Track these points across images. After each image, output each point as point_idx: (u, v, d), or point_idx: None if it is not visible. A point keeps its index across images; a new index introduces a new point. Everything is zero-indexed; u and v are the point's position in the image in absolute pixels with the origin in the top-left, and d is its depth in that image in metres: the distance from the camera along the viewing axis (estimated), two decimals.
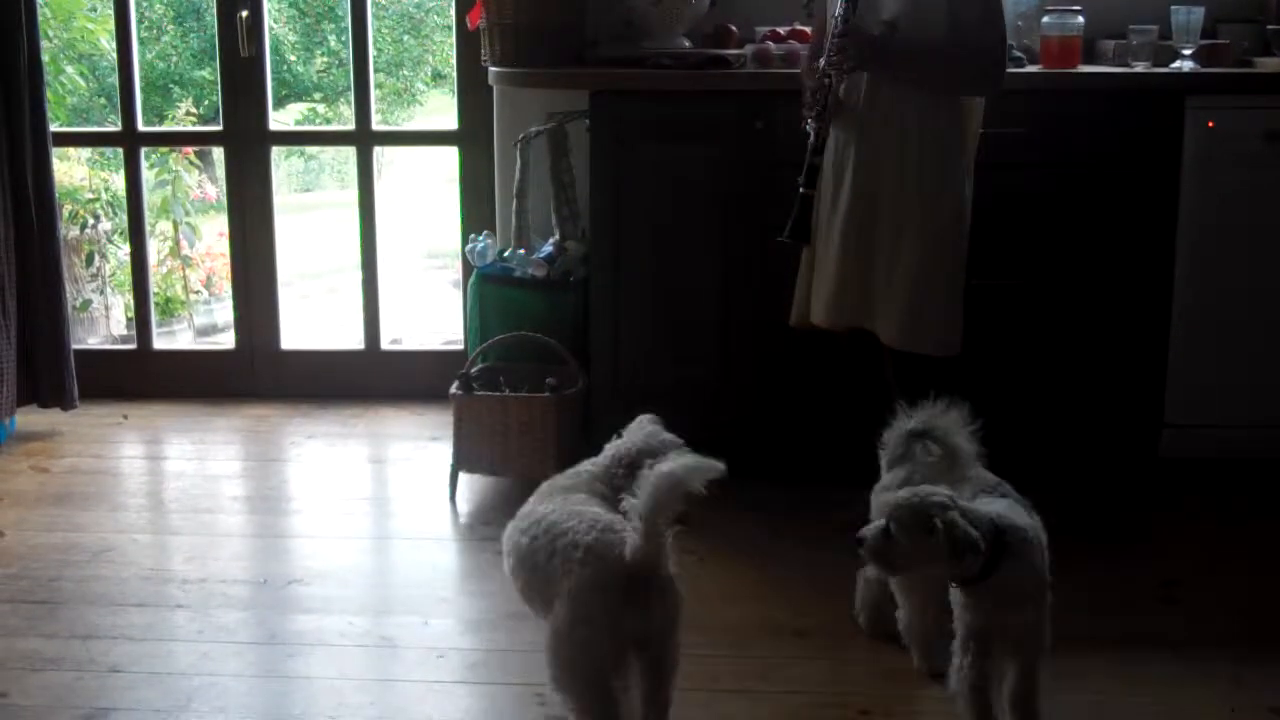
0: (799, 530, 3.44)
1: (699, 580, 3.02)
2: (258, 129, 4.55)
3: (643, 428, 2.64)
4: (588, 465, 2.65)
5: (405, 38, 8.85)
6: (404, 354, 4.83)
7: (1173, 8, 3.77)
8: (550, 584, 2.40)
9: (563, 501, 2.51)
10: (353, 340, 4.86)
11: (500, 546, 2.59)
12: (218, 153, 5.85)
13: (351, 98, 4.76)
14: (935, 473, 2.58)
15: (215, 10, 4.50)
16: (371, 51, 4.62)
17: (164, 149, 6.07)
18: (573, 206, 4.10)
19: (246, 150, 4.58)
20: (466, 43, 4.31)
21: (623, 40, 4.00)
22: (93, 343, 5.52)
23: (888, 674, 2.77)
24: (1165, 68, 3.77)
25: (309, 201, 9.11)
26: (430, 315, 6.18)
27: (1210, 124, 3.65)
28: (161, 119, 7.77)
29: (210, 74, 7.48)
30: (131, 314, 5.00)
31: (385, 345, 4.74)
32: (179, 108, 7.82)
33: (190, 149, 6.20)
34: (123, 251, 5.76)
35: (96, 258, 5.93)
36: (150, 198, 5.47)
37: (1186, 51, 3.76)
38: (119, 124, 4.66)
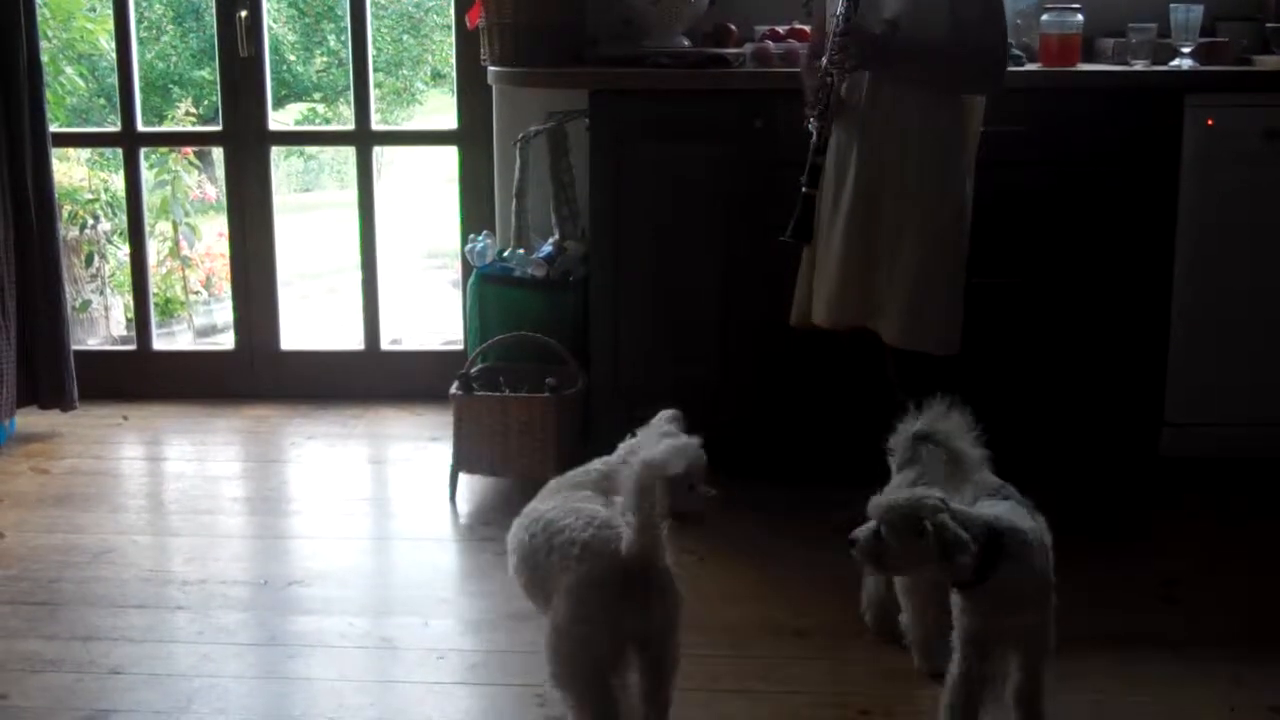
0: (799, 530, 3.44)
1: (699, 580, 3.02)
2: (257, 129, 4.55)
3: (658, 427, 2.58)
4: (598, 464, 2.64)
5: (405, 37, 8.84)
6: (404, 354, 4.83)
7: (1172, 6, 3.76)
8: (549, 581, 2.40)
9: (564, 499, 2.52)
10: (352, 340, 4.86)
11: (500, 547, 2.59)
12: (217, 153, 5.85)
13: (351, 97, 4.76)
14: (942, 475, 2.58)
15: (214, 10, 4.50)
16: (371, 51, 4.61)
17: (163, 149, 6.07)
18: (572, 206, 4.10)
19: (246, 150, 4.58)
20: (466, 42, 4.31)
21: (622, 39, 4.00)
22: (92, 343, 5.52)
23: (888, 674, 2.77)
24: (1164, 66, 3.77)
25: (309, 201, 9.10)
26: (430, 315, 6.18)
27: (1210, 122, 3.64)
28: (161, 119, 7.77)
29: (210, 74, 7.48)
30: (131, 315, 5.00)
31: (385, 345, 4.74)
32: (178, 108, 7.82)
33: (190, 149, 6.20)
34: (122, 252, 5.75)
35: (96, 258, 5.93)
36: (150, 198, 5.47)
37: (1186, 49, 3.76)
38: (118, 124, 4.66)
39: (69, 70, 6.66)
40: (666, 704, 2.38)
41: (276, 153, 5.23)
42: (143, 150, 4.79)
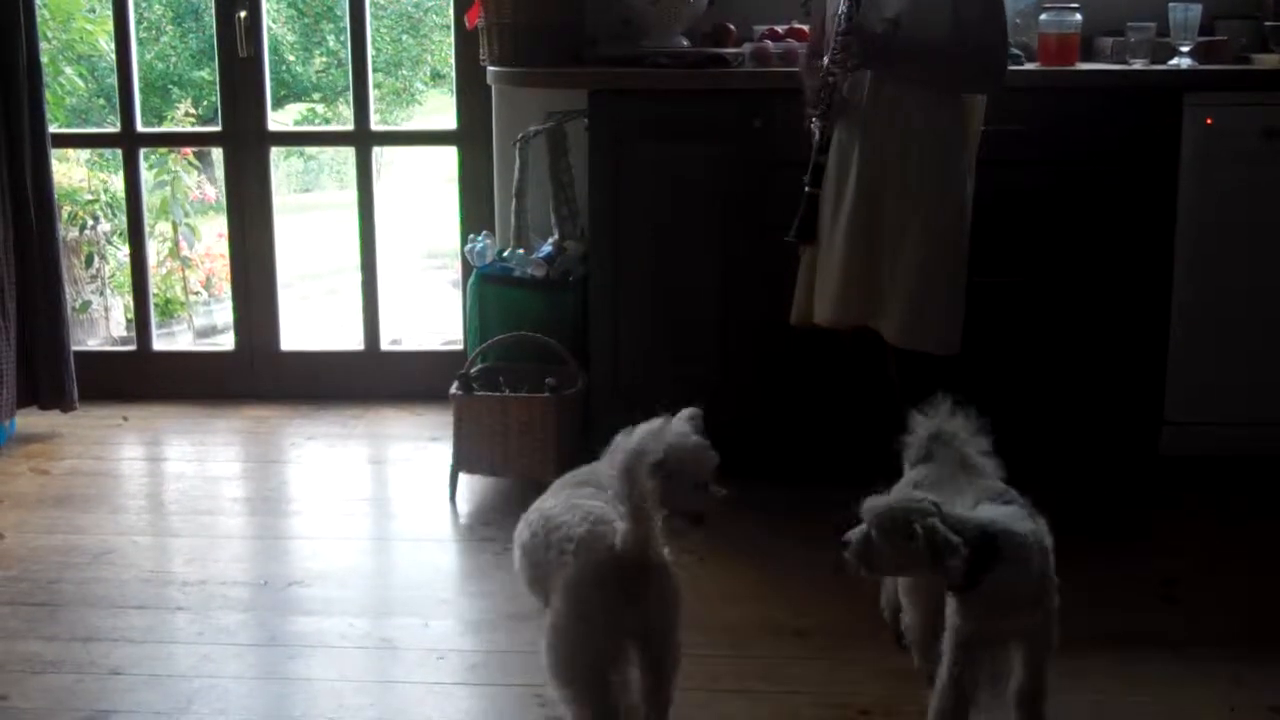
0: (799, 530, 3.43)
1: (699, 580, 3.01)
2: (257, 129, 4.55)
3: (675, 425, 2.47)
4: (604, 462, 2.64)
5: (404, 37, 8.84)
6: (404, 354, 4.83)
7: (1170, 5, 3.76)
8: (549, 577, 2.40)
9: (567, 496, 2.52)
10: (352, 341, 4.86)
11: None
12: (217, 153, 5.84)
13: (350, 98, 4.76)
14: (947, 476, 2.59)
15: (214, 11, 4.50)
16: (370, 51, 4.62)
17: (163, 150, 6.07)
18: (572, 206, 4.10)
19: (245, 151, 4.58)
20: (465, 42, 4.31)
21: (621, 39, 4.00)
22: (92, 344, 5.52)
23: (888, 674, 2.77)
24: (1163, 65, 3.77)
25: (308, 202, 9.10)
26: (430, 315, 6.17)
27: (1209, 121, 3.64)
28: (160, 120, 7.77)
29: (209, 74, 7.48)
30: (131, 315, 5.00)
31: (385, 346, 4.74)
32: (178, 108, 7.82)
33: (189, 150, 6.21)
34: (122, 253, 5.76)
35: (96, 259, 5.93)
36: (149, 199, 5.46)
37: (1184, 48, 3.75)
38: (118, 125, 4.66)
39: (68, 71, 6.67)
40: (667, 703, 2.38)
41: (276, 153, 5.23)
42: (142, 151, 4.79)
